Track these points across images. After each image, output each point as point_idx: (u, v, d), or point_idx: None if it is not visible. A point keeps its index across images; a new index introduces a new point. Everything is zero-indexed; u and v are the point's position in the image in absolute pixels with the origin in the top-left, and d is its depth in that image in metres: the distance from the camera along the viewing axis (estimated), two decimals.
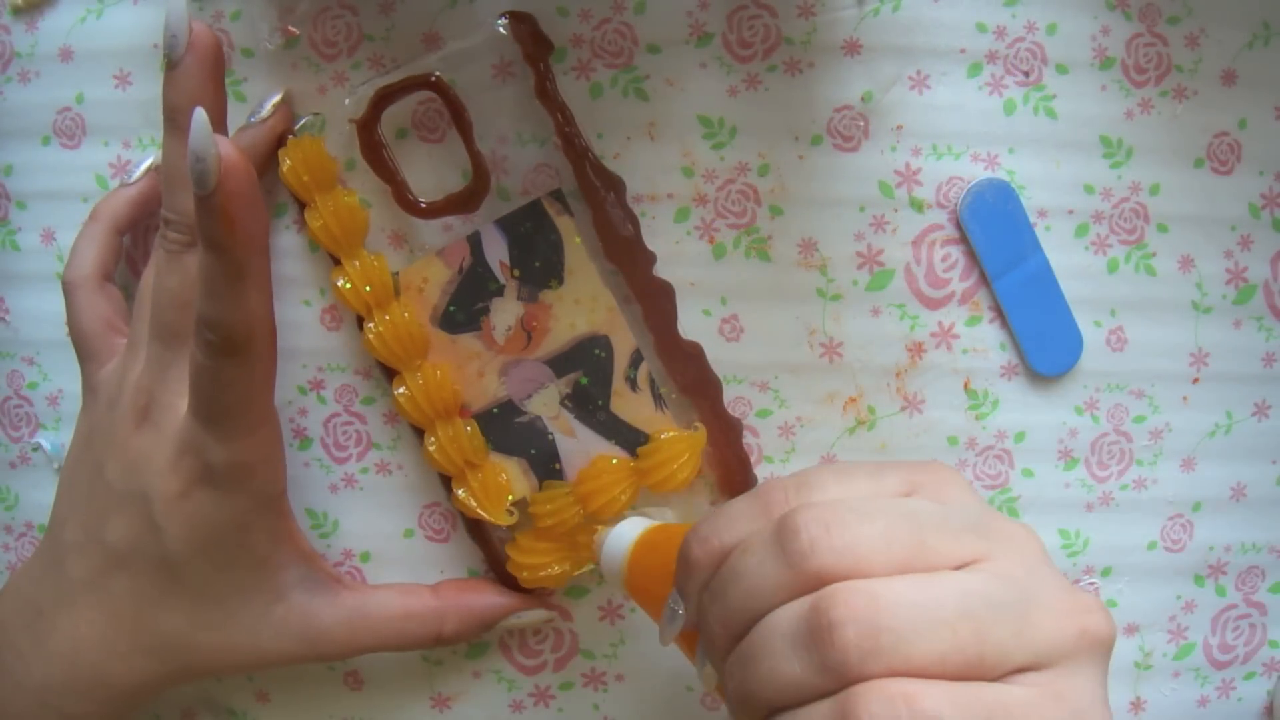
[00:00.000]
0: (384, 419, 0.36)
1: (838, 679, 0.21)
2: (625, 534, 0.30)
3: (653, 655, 0.37)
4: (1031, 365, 0.36)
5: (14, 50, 0.36)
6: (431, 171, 0.35)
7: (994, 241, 0.36)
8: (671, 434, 0.34)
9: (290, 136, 0.34)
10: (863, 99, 0.35)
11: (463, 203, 0.34)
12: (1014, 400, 0.37)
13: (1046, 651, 0.22)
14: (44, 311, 0.37)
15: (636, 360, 0.34)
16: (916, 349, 0.36)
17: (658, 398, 0.35)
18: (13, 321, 0.38)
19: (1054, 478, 0.37)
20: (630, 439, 0.35)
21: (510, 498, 0.35)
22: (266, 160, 0.34)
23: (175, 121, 0.30)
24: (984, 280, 0.36)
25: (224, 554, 0.31)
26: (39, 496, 0.38)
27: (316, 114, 0.35)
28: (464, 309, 0.34)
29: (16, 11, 0.36)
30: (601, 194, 0.34)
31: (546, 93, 0.33)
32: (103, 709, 0.32)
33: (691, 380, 0.34)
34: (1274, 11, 0.36)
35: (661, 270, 0.35)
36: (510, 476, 0.35)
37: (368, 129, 0.33)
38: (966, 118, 0.35)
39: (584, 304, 0.34)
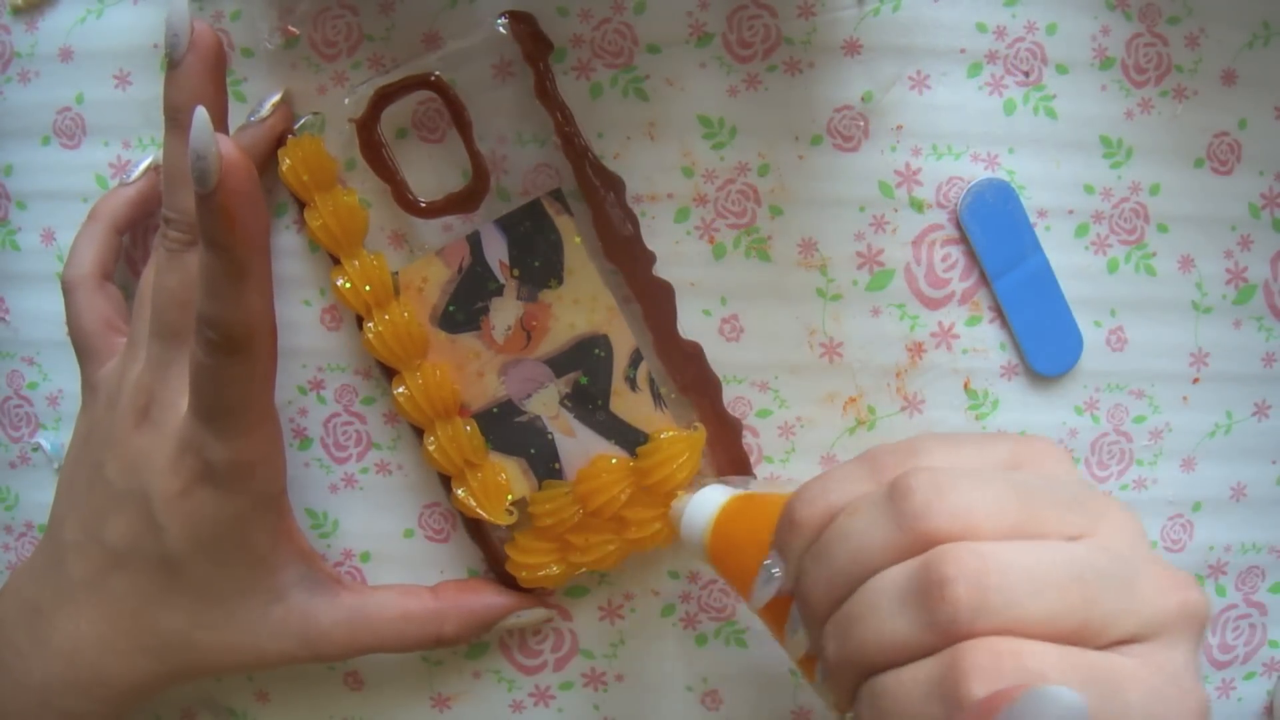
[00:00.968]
0: (384, 419, 0.36)
1: (945, 636, 0.21)
2: (709, 501, 0.30)
3: (653, 655, 0.37)
4: (1031, 365, 0.36)
5: (14, 50, 0.36)
6: (431, 171, 0.35)
7: (994, 241, 0.36)
8: (671, 434, 0.34)
9: (290, 136, 0.34)
10: (863, 99, 0.35)
11: (462, 202, 0.34)
12: (1014, 400, 0.36)
13: (1149, 624, 0.22)
14: (44, 311, 0.37)
15: (636, 360, 0.34)
16: (916, 349, 0.36)
17: (657, 397, 0.35)
18: (13, 321, 0.38)
19: None
20: (630, 438, 0.35)
21: (510, 497, 0.35)
22: (266, 159, 0.34)
23: (176, 120, 0.30)
24: (984, 280, 0.36)
25: (224, 552, 0.31)
26: (39, 496, 0.38)
27: (316, 113, 0.35)
28: (463, 309, 0.34)
29: (16, 11, 0.36)
30: (601, 194, 0.34)
31: (546, 92, 0.33)
32: (102, 708, 0.32)
33: (691, 380, 0.34)
34: (1274, 11, 0.36)
35: (661, 270, 0.35)
36: (510, 476, 0.35)
37: (367, 129, 0.33)
38: (966, 118, 0.35)
39: (583, 304, 0.34)
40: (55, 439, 0.38)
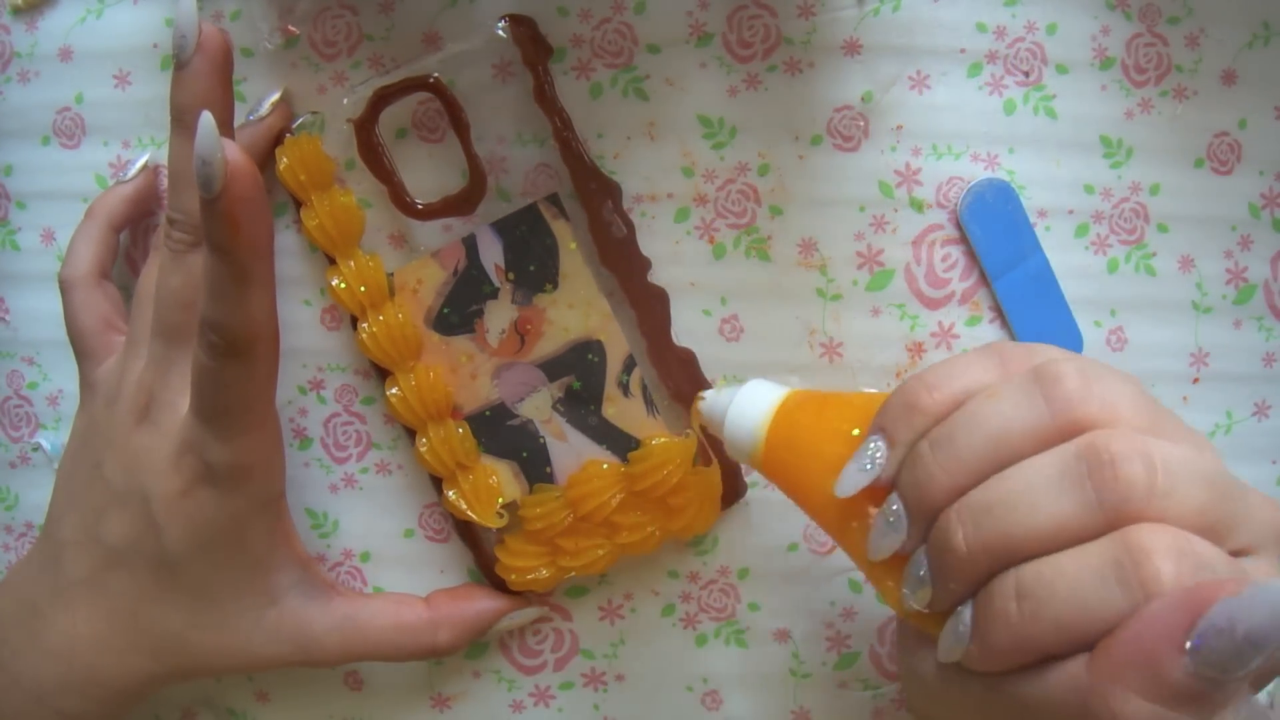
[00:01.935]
0: (384, 419, 0.36)
1: (1116, 517, 0.21)
2: (760, 397, 0.28)
3: (653, 655, 0.37)
4: None
5: (14, 50, 0.36)
6: (431, 171, 0.35)
7: (994, 241, 0.36)
8: (663, 440, 0.34)
9: (288, 135, 0.34)
10: (863, 99, 0.35)
11: (459, 205, 0.34)
12: None
13: (1258, 536, 0.22)
14: (44, 311, 0.37)
15: (629, 365, 0.34)
16: (916, 349, 0.36)
17: (649, 403, 0.35)
18: (13, 321, 0.38)
19: None
20: (621, 444, 0.35)
21: (500, 500, 0.35)
22: (265, 158, 0.34)
23: (182, 122, 0.30)
24: (984, 280, 0.36)
25: (222, 553, 0.31)
26: (39, 496, 0.38)
27: (315, 113, 0.35)
28: (458, 311, 0.34)
29: (16, 11, 0.36)
30: (598, 199, 0.34)
31: (545, 96, 0.33)
32: (99, 707, 0.32)
33: (684, 387, 0.35)
34: (1274, 11, 0.36)
35: (661, 270, 0.35)
36: (501, 479, 0.35)
37: (365, 129, 0.33)
38: (966, 118, 0.35)
39: (578, 309, 0.34)
40: (55, 439, 0.38)
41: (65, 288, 0.34)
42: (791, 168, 0.35)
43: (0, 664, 0.32)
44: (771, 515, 0.36)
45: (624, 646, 0.37)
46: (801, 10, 0.35)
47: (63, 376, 0.37)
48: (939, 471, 0.23)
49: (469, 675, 0.37)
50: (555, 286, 0.34)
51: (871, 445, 0.25)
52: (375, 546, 0.37)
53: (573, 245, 0.34)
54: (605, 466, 0.34)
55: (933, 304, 0.36)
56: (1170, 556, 0.20)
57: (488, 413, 0.35)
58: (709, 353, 0.35)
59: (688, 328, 0.35)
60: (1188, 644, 0.19)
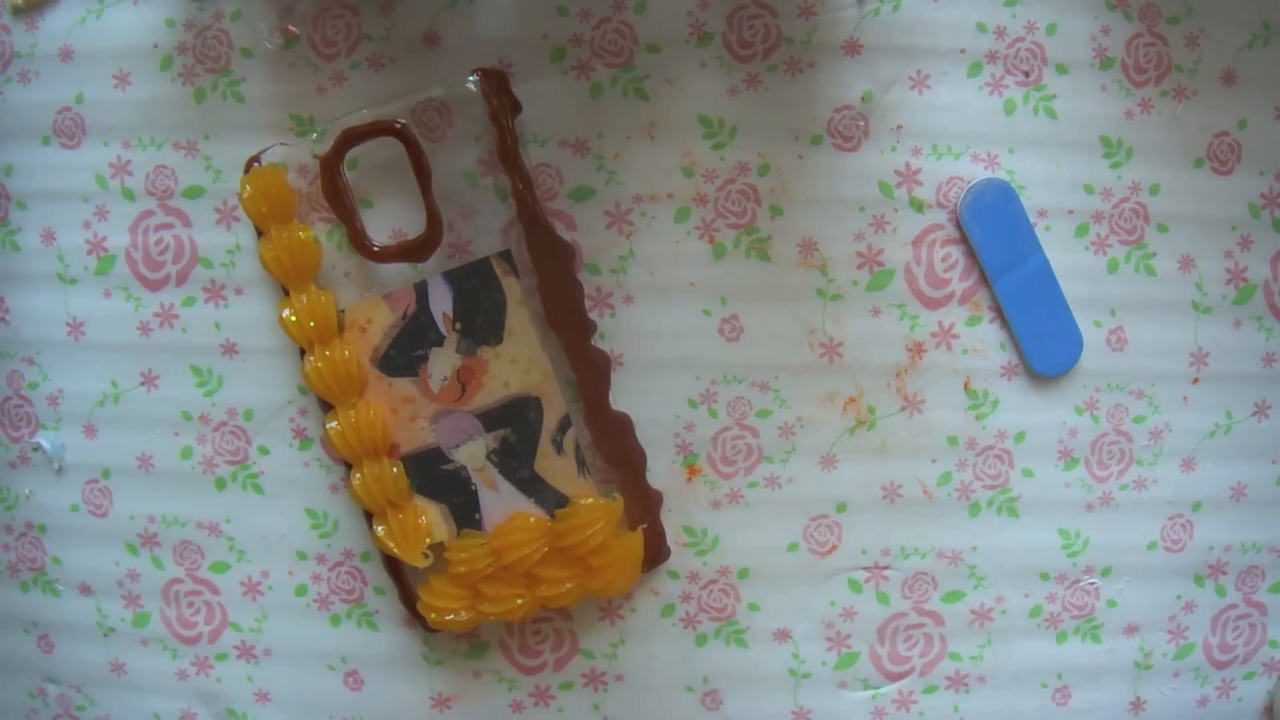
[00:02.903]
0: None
1: None
2: None
3: (653, 655, 0.37)
4: (1031, 365, 0.36)
5: (14, 50, 0.36)
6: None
7: (994, 241, 0.36)
8: (590, 501, 0.35)
9: (255, 164, 0.34)
10: (863, 99, 0.35)
11: (414, 251, 0.34)
12: (1014, 400, 0.36)
13: None
14: (44, 312, 0.37)
15: (565, 425, 0.35)
16: (916, 349, 0.36)
17: (581, 464, 0.35)
18: (13, 321, 0.38)
19: (1054, 478, 0.37)
20: (550, 499, 0.35)
21: (428, 540, 0.35)
22: None
23: None
24: (984, 280, 0.36)
25: None
26: (39, 497, 0.38)
27: (284, 144, 0.35)
28: (404, 354, 0.35)
29: (16, 11, 0.36)
30: (550, 261, 0.34)
31: (508, 154, 0.34)
32: None
33: (617, 451, 0.35)
34: (1274, 11, 0.36)
35: (661, 270, 0.35)
36: (430, 520, 0.35)
37: (330, 167, 0.34)
38: (966, 118, 0.35)
39: (520, 365, 0.34)
40: (55, 439, 0.38)
41: None
42: (791, 168, 0.35)
43: None
44: (771, 515, 0.36)
45: (624, 646, 0.37)
46: (802, 10, 0.35)
47: (63, 376, 0.37)
48: None
49: (469, 675, 0.37)
50: (500, 341, 0.34)
51: None
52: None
53: (520, 302, 0.34)
54: (532, 520, 0.35)
55: (933, 304, 0.36)
56: None
57: (424, 455, 0.35)
58: (709, 353, 0.35)
59: (688, 327, 0.35)
60: None
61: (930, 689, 0.37)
